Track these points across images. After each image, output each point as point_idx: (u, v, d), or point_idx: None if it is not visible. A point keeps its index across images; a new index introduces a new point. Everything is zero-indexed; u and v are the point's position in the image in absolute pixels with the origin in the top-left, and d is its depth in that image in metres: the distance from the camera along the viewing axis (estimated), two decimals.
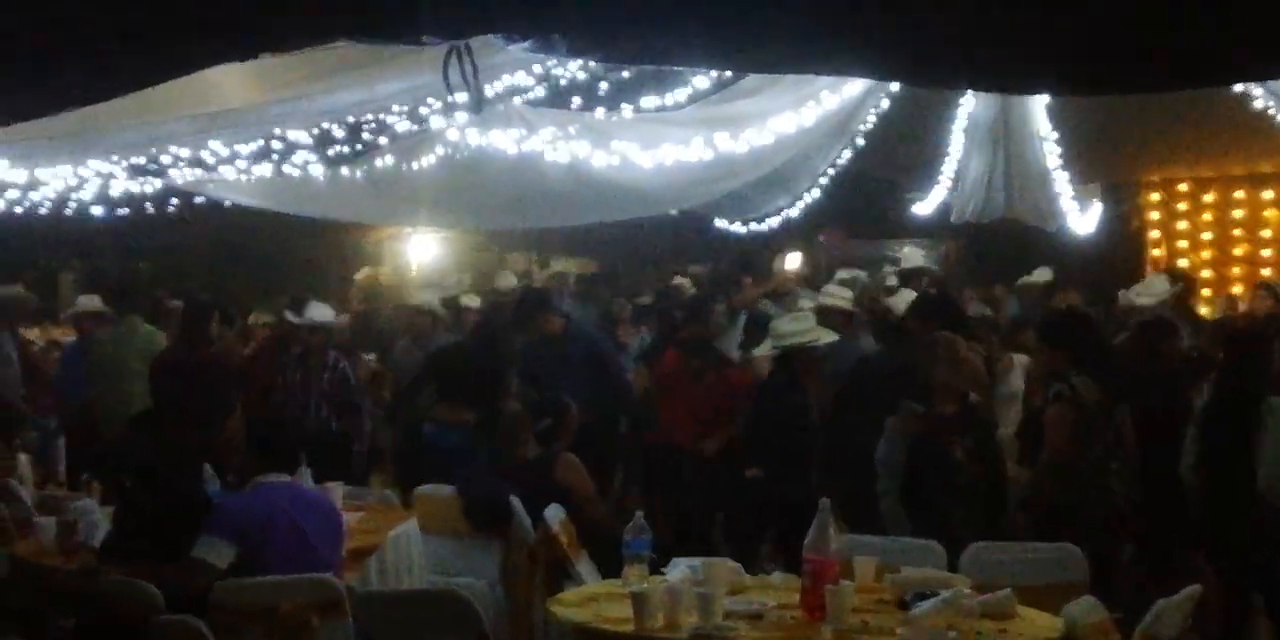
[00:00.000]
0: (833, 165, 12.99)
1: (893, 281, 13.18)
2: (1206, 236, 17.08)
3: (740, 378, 9.52)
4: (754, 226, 15.50)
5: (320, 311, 10.18)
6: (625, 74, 10.00)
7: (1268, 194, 16.66)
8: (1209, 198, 17.12)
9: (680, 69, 9.87)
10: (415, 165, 9.70)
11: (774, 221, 15.03)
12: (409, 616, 5.61)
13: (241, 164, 9.31)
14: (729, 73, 9.90)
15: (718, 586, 5.23)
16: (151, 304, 11.88)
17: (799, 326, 8.63)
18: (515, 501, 7.14)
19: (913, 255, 13.42)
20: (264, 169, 9.59)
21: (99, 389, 10.55)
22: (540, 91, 8.51)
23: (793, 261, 13.28)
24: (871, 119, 11.81)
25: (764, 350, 8.84)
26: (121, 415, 10.49)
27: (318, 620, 5.48)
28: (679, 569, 5.58)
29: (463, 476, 7.55)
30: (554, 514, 6.83)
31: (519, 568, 7.00)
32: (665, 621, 4.97)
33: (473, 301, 12.76)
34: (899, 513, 7.26)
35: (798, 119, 9.99)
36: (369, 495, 7.89)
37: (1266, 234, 16.74)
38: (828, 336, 8.67)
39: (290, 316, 10.23)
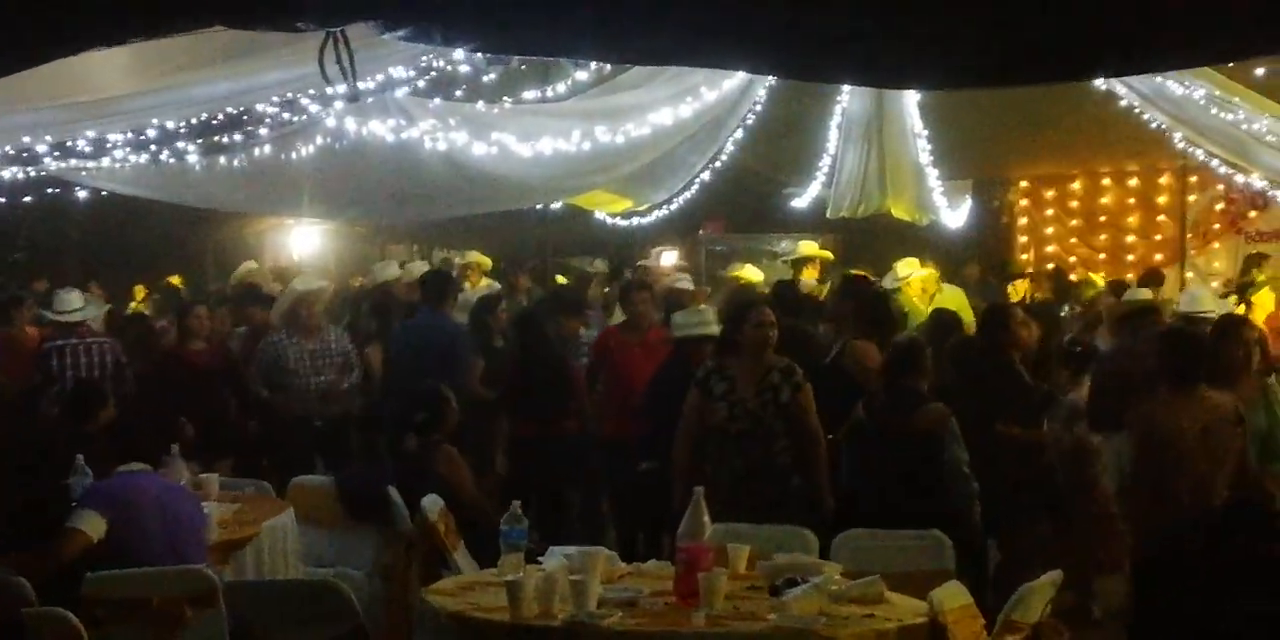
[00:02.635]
0: (713, 160, 13.11)
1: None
2: (1073, 228, 17.56)
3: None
4: (636, 220, 15.60)
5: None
6: (506, 66, 10.04)
7: (1131, 188, 17.15)
8: (1075, 192, 17.58)
9: (562, 61, 9.93)
10: (294, 155, 9.65)
11: (655, 215, 15.14)
12: (284, 607, 5.61)
13: (118, 153, 9.19)
14: (609, 66, 9.99)
15: (593, 575, 5.27)
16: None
17: (694, 319, 8.67)
18: (392, 492, 7.15)
19: (801, 246, 13.61)
20: (141, 158, 9.48)
21: None
22: (421, 83, 8.50)
23: (668, 258, 13.40)
24: (750, 115, 11.95)
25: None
26: None
27: (191, 612, 5.44)
28: (555, 558, 5.61)
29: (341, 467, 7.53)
30: (432, 504, 6.84)
31: (396, 558, 7.00)
32: (540, 610, 5.00)
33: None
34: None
35: (676, 113, 10.09)
36: (246, 486, 7.84)
37: (1130, 227, 17.24)
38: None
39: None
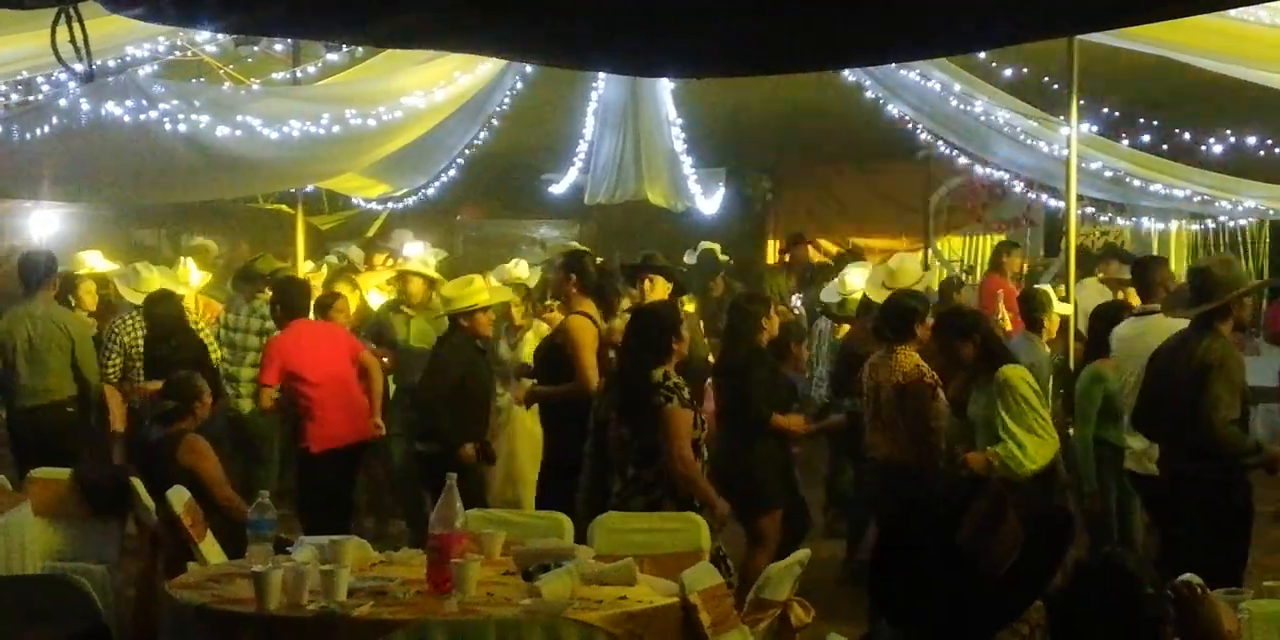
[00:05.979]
0: (470, 145, 13.04)
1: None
2: (820, 217, 18.03)
3: None
4: (392, 205, 15.40)
5: None
6: (255, 47, 9.81)
7: (876, 178, 17.66)
8: (823, 182, 18.04)
9: (311, 42, 9.74)
10: (29, 136, 9.23)
11: (412, 200, 14.98)
12: (18, 603, 5.40)
13: None
14: (361, 49, 9.85)
15: (343, 564, 5.22)
16: None
17: (463, 290, 8.54)
18: (135, 482, 6.96)
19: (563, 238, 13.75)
20: None
21: None
22: (163, 63, 8.27)
23: (413, 248, 13.25)
24: (506, 100, 11.92)
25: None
26: None
27: None
28: (304, 548, 5.54)
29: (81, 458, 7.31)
30: (176, 495, 6.67)
31: (140, 551, 6.82)
32: (288, 601, 4.92)
33: None
34: None
35: (430, 97, 10.00)
36: None
37: (875, 216, 17.76)
38: (501, 296, 9.02)
39: None
